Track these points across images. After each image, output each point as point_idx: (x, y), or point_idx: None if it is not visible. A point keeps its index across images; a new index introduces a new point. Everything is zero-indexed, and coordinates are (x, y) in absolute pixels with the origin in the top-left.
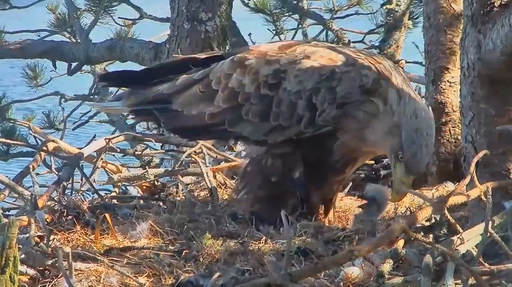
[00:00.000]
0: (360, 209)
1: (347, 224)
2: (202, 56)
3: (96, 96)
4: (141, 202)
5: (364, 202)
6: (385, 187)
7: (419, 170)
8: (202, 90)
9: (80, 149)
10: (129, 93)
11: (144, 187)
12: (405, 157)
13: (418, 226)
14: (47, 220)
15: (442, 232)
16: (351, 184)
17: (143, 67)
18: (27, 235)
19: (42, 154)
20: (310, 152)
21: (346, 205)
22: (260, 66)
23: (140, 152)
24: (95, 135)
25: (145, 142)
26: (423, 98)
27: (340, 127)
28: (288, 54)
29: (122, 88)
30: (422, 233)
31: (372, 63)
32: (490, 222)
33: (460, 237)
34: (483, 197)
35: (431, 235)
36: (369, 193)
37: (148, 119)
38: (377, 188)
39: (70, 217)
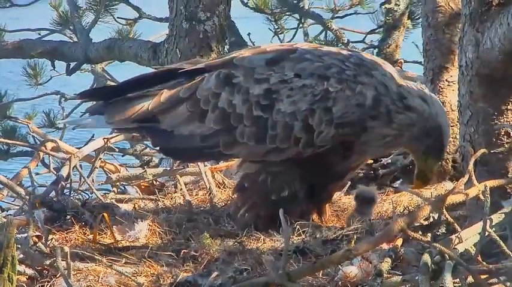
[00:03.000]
0: (353, 209)
1: (345, 223)
2: (184, 68)
3: None
4: (140, 201)
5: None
6: (373, 186)
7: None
8: (190, 110)
9: (79, 148)
10: (110, 109)
11: (143, 187)
12: (441, 152)
13: (416, 225)
14: (45, 219)
15: (440, 231)
16: (349, 183)
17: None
18: (26, 234)
19: (41, 153)
20: (309, 169)
21: (345, 204)
22: (249, 85)
23: (139, 152)
24: (94, 135)
25: (144, 142)
26: None
27: (362, 142)
28: (276, 72)
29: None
30: (420, 232)
31: (364, 75)
32: (488, 221)
33: (459, 236)
34: (481, 196)
35: (429, 234)
36: (363, 193)
37: (133, 133)
38: (366, 188)
39: (68, 216)
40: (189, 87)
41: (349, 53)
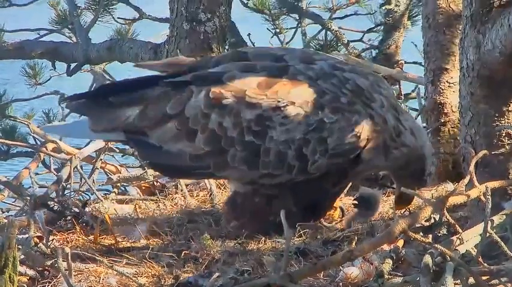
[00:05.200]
0: (354, 210)
1: (345, 226)
2: (165, 71)
3: None
4: (141, 202)
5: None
6: (377, 190)
7: None
8: (178, 128)
9: (79, 149)
10: (94, 117)
11: (144, 188)
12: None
13: (417, 226)
14: (46, 220)
15: (441, 232)
16: (350, 184)
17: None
18: (27, 235)
19: (42, 154)
20: (303, 192)
21: (346, 205)
22: (241, 109)
23: None
24: None
25: None
26: (422, 99)
27: (356, 172)
28: (269, 97)
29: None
30: (421, 234)
31: (361, 104)
32: (489, 222)
33: (460, 237)
34: (482, 197)
35: (430, 235)
36: (363, 195)
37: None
38: (369, 191)
39: (69, 217)
40: (177, 102)
41: (344, 75)
